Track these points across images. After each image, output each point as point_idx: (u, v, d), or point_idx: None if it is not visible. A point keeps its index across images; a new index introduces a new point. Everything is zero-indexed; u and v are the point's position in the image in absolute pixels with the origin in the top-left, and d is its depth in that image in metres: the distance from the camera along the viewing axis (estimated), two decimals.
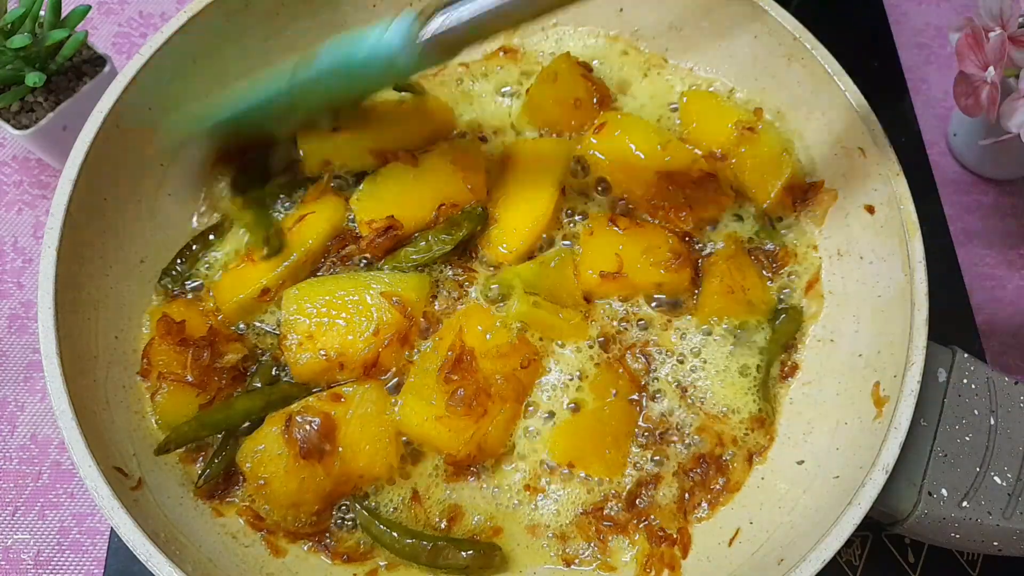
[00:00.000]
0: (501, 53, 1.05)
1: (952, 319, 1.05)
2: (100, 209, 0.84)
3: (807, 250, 0.94)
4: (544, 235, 0.92)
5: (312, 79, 0.82)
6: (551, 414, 0.85)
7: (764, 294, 0.91)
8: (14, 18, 0.94)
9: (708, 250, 0.93)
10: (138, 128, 0.88)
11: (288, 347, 0.82)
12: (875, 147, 0.85)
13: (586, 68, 1.00)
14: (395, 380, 0.84)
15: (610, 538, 0.81)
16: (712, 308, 0.89)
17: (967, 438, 0.76)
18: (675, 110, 1.01)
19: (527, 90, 1.01)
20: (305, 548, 0.80)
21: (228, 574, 0.74)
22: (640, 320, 0.89)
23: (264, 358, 0.86)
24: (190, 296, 0.90)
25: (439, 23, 0.71)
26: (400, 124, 0.95)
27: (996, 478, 0.75)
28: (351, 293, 0.83)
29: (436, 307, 0.88)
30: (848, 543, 0.69)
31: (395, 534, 0.78)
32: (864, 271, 0.87)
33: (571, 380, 0.86)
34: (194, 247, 0.91)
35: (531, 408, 0.85)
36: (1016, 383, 0.79)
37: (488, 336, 0.84)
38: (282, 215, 0.93)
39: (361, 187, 0.92)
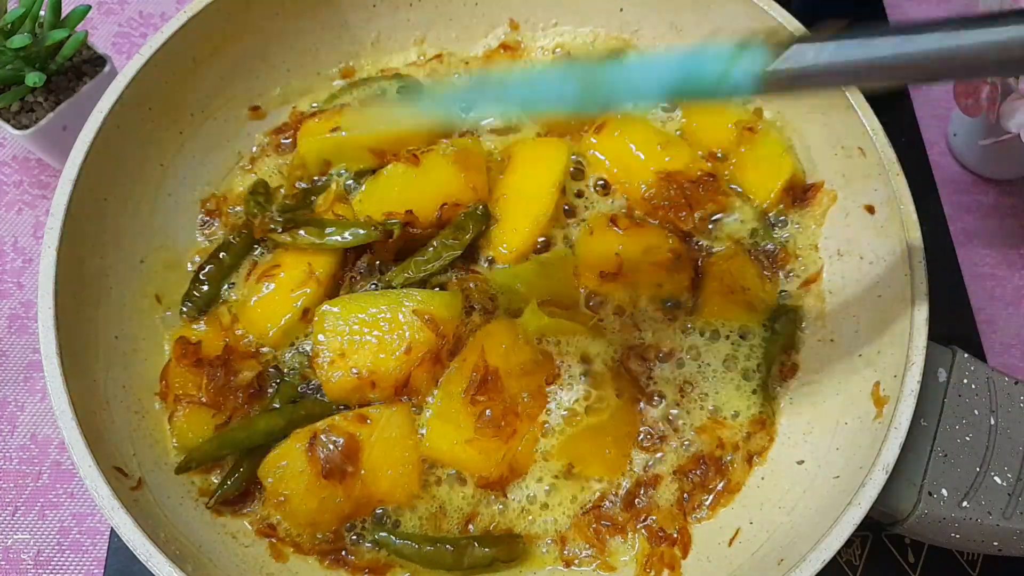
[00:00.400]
0: (502, 50, 1.05)
1: (952, 319, 1.05)
2: (100, 209, 0.84)
3: (807, 250, 0.94)
4: (544, 235, 0.92)
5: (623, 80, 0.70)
6: (551, 414, 0.84)
7: (764, 294, 0.91)
8: (14, 18, 0.94)
9: (708, 250, 0.93)
10: (138, 128, 0.88)
11: (320, 365, 0.81)
12: (875, 147, 0.85)
13: None
14: (422, 404, 0.83)
15: (609, 538, 0.81)
16: (712, 308, 0.89)
17: (967, 438, 0.76)
18: (675, 110, 1.01)
19: None
20: (324, 564, 0.79)
21: (228, 574, 0.74)
22: (640, 320, 0.89)
23: (288, 376, 0.85)
24: (206, 315, 0.89)
25: (792, 58, 0.64)
26: (400, 123, 0.95)
27: (996, 478, 0.75)
28: (383, 311, 0.82)
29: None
30: (848, 543, 0.69)
31: (415, 544, 0.78)
32: (864, 271, 0.87)
33: (571, 380, 0.86)
34: (208, 268, 0.90)
35: None
36: (1016, 383, 0.79)
37: (511, 355, 0.82)
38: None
39: (363, 188, 0.92)
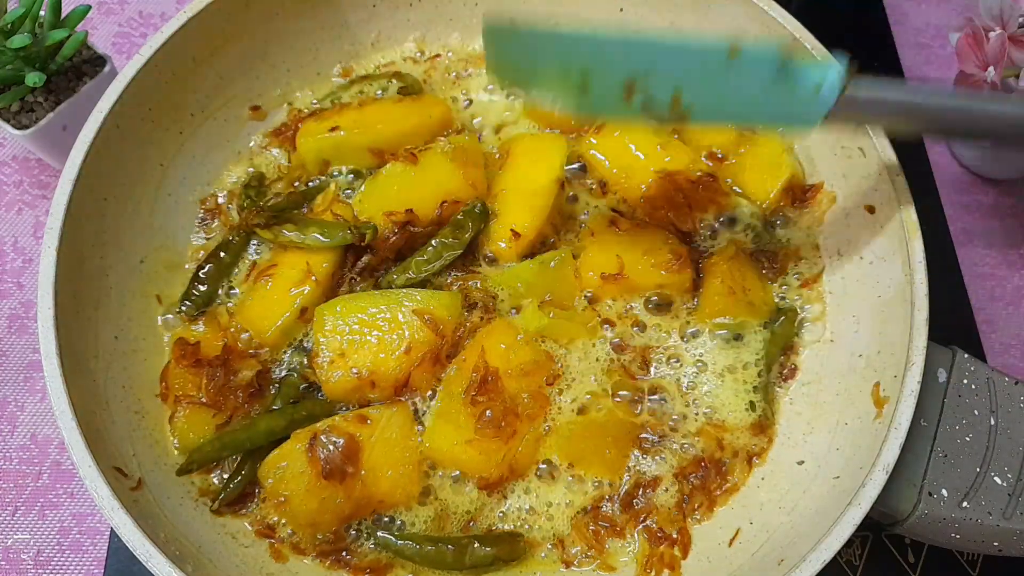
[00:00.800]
0: None
1: (952, 319, 1.05)
2: (100, 209, 0.84)
3: (807, 250, 0.94)
4: (544, 234, 0.92)
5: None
6: (551, 415, 0.84)
7: (764, 295, 0.91)
8: (14, 18, 0.94)
9: (708, 251, 0.93)
10: (138, 128, 0.88)
11: (320, 365, 0.81)
12: (875, 147, 0.85)
13: None
14: (421, 404, 0.83)
15: (608, 539, 0.81)
16: (713, 309, 0.88)
17: (967, 438, 0.76)
18: None
19: None
20: (325, 565, 0.79)
21: (228, 574, 0.74)
22: (641, 321, 0.89)
23: (289, 375, 0.85)
24: (205, 314, 0.89)
25: (866, 88, 0.66)
26: (399, 122, 0.95)
27: (996, 478, 0.75)
28: (383, 311, 0.82)
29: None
30: (848, 543, 0.69)
31: (416, 544, 0.78)
32: (864, 271, 0.87)
33: (572, 381, 0.86)
34: (208, 267, 0.90)
35: None
36: (1016, 383, 0.79)
37: (511, 355, 0.82)
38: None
39: (363, 188, 0.92)
